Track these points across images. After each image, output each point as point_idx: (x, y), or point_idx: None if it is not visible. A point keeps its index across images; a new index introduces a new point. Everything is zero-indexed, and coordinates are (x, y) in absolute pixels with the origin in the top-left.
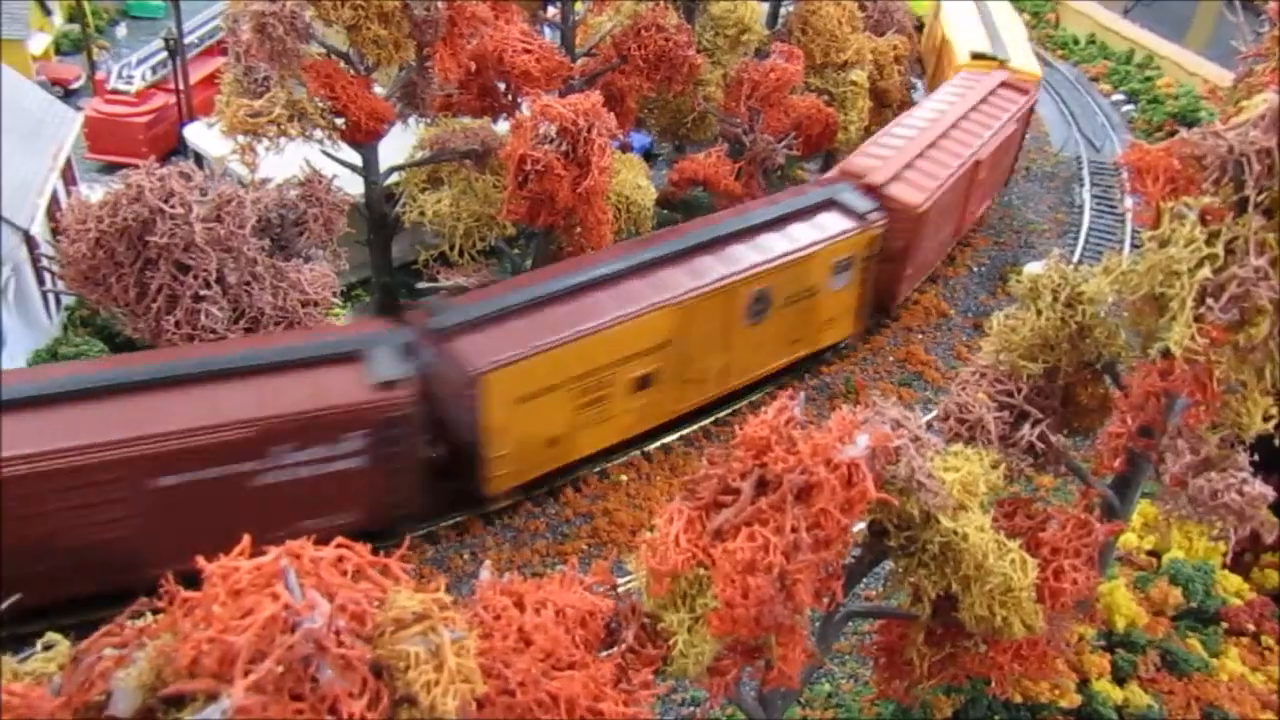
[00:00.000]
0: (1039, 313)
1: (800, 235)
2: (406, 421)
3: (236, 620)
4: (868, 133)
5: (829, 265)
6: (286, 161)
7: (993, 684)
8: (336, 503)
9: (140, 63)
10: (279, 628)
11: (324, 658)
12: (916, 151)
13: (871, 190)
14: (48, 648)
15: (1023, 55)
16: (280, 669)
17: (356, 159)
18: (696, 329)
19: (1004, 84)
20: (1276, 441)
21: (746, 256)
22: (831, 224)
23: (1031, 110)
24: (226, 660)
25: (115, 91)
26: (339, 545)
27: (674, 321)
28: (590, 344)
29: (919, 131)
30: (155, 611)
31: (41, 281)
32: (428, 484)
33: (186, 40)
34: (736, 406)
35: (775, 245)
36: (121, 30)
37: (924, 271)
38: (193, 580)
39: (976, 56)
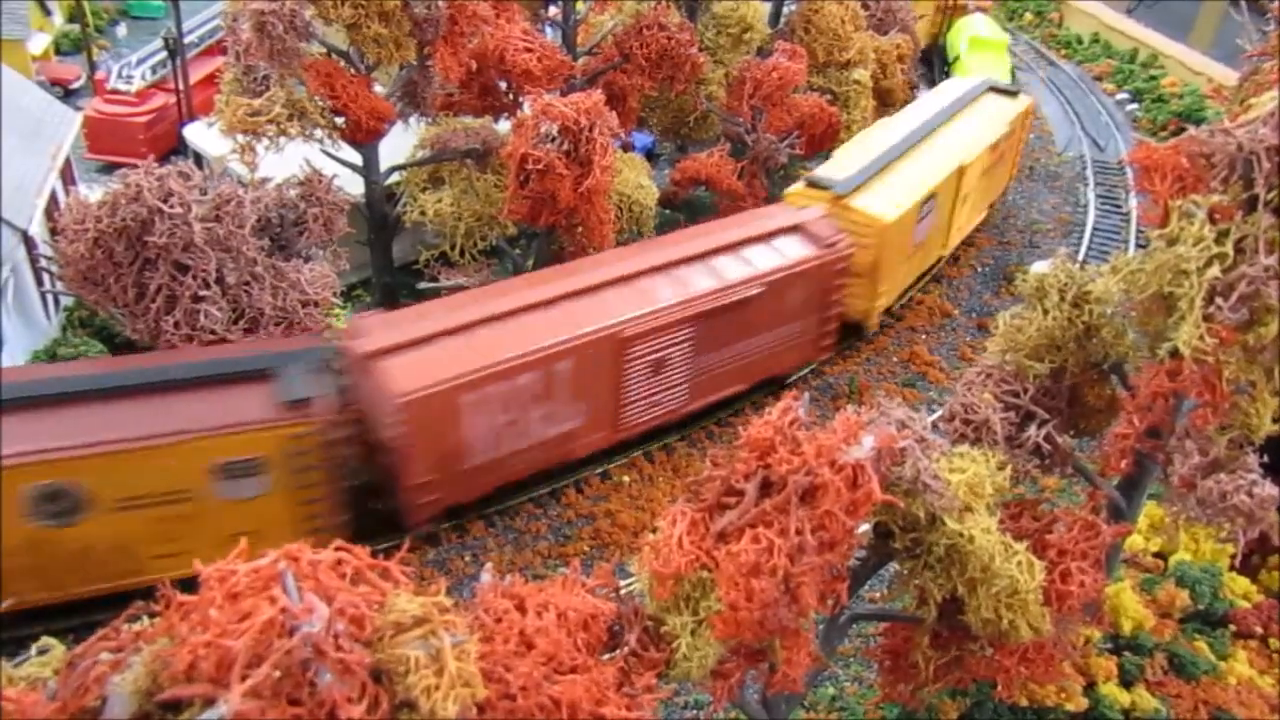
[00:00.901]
0: (1045, 312)
1: (162, 419)
2: None
3: (234, 624)
4: None
5: (205, 466)
6: (286, 161)
7: (999, 687)
8: None
9: (140, 62)
10: (277, 632)
11: (322, 662)
12: (497, 311)
13: (362, 362)
14: (43, 652)
15: (892, 194)
16: (278, 674)
17: (357, 158)
18: None
19: (794, 228)
20: None
21: (19, 437)
22: (229, 408)
23: (837, 264)
24: (223, 665)
25: (115, 91)
26: (338, 548)
27: None
28: None
29: (560, 279)
30: (151, 615)
31: (40, 282)
32: None
33: (186, 40)
34: (739, 407)
35: (103, 427)
36: (121, 30)
37: (489, 478)
38: (190, 584)
39: (812, 185)
